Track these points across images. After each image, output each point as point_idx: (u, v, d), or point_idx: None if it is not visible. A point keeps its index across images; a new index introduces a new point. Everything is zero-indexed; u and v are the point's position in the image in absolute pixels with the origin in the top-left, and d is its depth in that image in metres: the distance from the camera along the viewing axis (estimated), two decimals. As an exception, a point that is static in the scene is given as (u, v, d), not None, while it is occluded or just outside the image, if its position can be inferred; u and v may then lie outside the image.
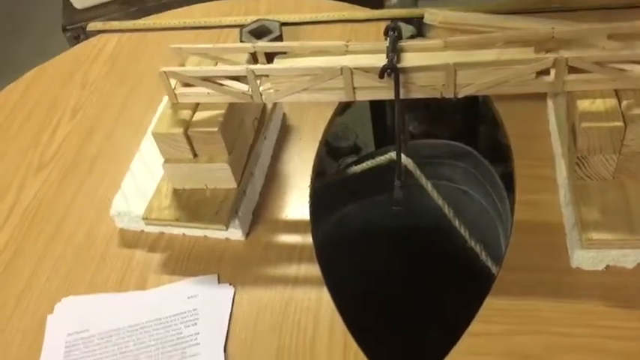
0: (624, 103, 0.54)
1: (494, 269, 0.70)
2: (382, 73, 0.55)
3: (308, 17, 0.92)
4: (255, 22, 0.87)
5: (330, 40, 0.87)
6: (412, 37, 0.85)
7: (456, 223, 0.69)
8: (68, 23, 1.15)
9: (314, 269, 0.62)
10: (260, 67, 0.60)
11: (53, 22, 1.30)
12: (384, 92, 0.58)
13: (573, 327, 0.53)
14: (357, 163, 0.82)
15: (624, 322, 0.52)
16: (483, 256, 0.69)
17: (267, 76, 0.60)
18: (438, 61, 0.56)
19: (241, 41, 0.86)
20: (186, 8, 0.99)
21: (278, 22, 0.87)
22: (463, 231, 0.69)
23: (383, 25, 0.88)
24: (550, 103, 0.69)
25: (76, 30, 1.14)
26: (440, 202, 0.69)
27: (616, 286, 0.55)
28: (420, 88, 0.57)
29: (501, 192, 0.80)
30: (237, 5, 0.98)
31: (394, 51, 0.57)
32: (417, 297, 0.90)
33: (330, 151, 1.26)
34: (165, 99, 0.78)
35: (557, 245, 0.58)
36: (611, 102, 0.54)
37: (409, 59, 0.57)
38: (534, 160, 0.66)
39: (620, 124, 0.52)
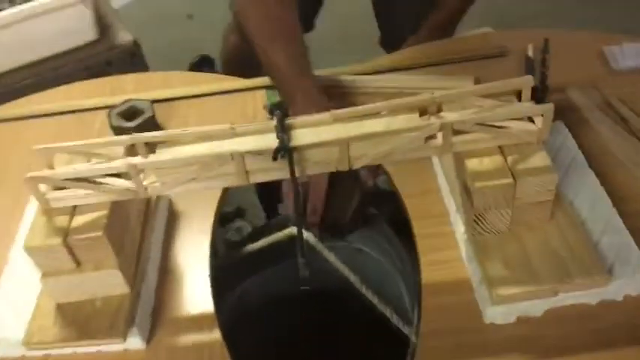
0: (509, 158, 0.56)
1: (404, 329, 0.70)
2: (275, 155, 0.53)
3: (180, 92, 0.88)
4: (124, 103, 0.82)
5: (208, 114, 0.86)
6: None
7: (364, 290, 0.68)
8: None
9: (228, 370, 0.57)
10: (142, 160, 0.55)
11: None
12: (278, 172, 0.56)
13: (498, 386, 0.53)
14: (252, 235, 0.79)
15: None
16: (394, 319, 0.68)
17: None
18: (330, 137, 0.55)
19: (111, 125, 0.80)
20: (43, 93, 0.91)
21: (148, 100, 0.83)
22: (372, 297, 0.68)
23: (258, 93, 0.88)
24: (435, 159, 0.71)
25: None
26: (346, 272, 0.67)
27: (530, 336, 0.56)
28: (315, 165, 0.56)
29: (399, 249, 0.80)
30: (101, 85, 0.92)
31: (283, 130, 0.55)
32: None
33: (215, 219, 1.22)
34: (33, 199, 0.71)
35: (468, 302, 0.59)
36: (498, 159, 0.56)
37: (300, 137, 0.55)
38: (430, 217, 0.67)
39: (510, 180, 0.54)
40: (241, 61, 1.14)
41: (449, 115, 0.56)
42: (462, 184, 0.59)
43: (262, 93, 0.87)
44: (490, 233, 0.59)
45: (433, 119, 0.57)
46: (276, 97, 0.86)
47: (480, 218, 0.57)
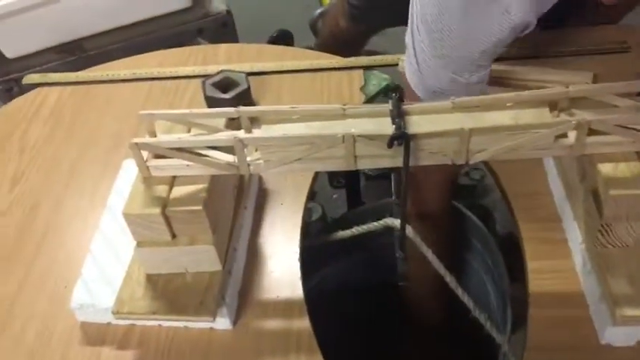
0: (649, 167, 0.50)
1: (497, 337, 0.65)
2: (391, 142, 0.50)
3: (273, 66, 0.86)
4: (218, 73, 0.80)
5: (301, 91, 0.82)
6: (389, 87, 0.81)
7: (459, 292, 0.64)
8: (-2, 74, 1.03)
9: (317, 361, 0.55)
10: (249, 136, 0.53)
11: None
12: (389, 160, 0.53)
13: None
14: (341, 222, 0.76)
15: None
16: (488, 325, 0.64)
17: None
18: (451, 126, 0.51)
19: (205, 95, 0.78)
20: (136, 57, 0.90)
21: (244, 73, 0.80)
22: (466, 300, 0.64)
23: (355, 73, 0.84)
24: (548, 158, 0.66)
25: (7, 82, 1.02)
26: (442, 270, 0.63)
27: (651, 364, 0.51)
28: (430, 155, 0.52)
29: (492, 249, 0.75)
30: (194, 53, 0.90)
31: (400, 116, 0.51)
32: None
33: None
34: (125, 164, 0.70)
35: (582, 319, 0.54)
36: (635, 166, 0.51)
37: (418, 124, 0.51)
38: (540, 221, 0.62)
39: (650, 190, 0.49)
40: (346, 44, 1.11)
41: (584, 113, 0.51)
42: (588, 189, 0.54)
43: (359, 73, 0.83)
44: (614, 246, 0.53)
45: (564, 116, 0.52)
46: (375, 80, 0.82)
47: (607, 229, 0.52)
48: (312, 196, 1.26)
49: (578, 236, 0.57)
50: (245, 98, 0.78)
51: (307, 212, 1.08)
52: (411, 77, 0.61)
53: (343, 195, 1.20)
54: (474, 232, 0.79)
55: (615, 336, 0.51)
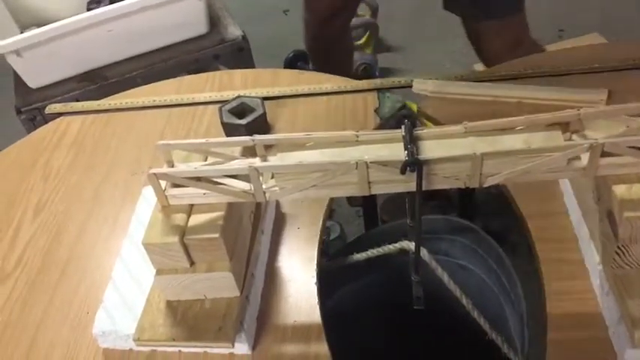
0: (664, 187, 0.50)
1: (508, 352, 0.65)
2: (404, 168, 0.50)
3: (289, 90, 0.87)
4: (234, 99, 0.82)
5: (316, 114, 0.84)
6: (403, 108, 0.82)
7: (475, 314, 0.64)
8: (22, 104, 1.06)
9: (336, 386, 0.55)
10: (264, 164, 0.54)
11: (5, 103, 1.19)
12: (403, 185, 0.53)
13: None
14: (358, 243, 0.76)
15: None
16: (505, 348, 0.64)
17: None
18: (463, 151, 0.51)
19: (222, 121, 0.80)
20: (155, 85, 0.92)
21: (259, 98, 0.82)
22: (483, 322, 0.64)
23: (369, 95, 0.85)
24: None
25: (31, 112, 1.05)
26: (457, 292, 0.64)
27: (673, 386, 0.50)
28: (443, 180, 0.53)
29: (509, 269, 0.75)
30: (211, 79, 0.92)
31: (412, 141, 0.52)
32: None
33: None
34: (145, 191, 0.71)
35: (601, 341, 0.54)
36: (650, 187, 0.50)
37: (430, 149, 0.52)
38: (556, 242, 0.62)
39: (666, 211, 0.49)
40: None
41: (596, 135, 0.51)
42: (603, 210, 0.54)
43: (373, 95, 0.84)
44: (631, 267, 0.53)
45: (577, 138, 0.52)
46: (390, 102, 0.83)
47: (623, 250, 0.52)
48: (330, 214, 1.27)
49: (595, 256, 0.57)
50: (261, 123, 0.79)
51: (326, 231, 1.09)
52: None
53: (361, 212, 1.20)
54: (491, 252, 0.78)
55: (635, 358, 0.51)
